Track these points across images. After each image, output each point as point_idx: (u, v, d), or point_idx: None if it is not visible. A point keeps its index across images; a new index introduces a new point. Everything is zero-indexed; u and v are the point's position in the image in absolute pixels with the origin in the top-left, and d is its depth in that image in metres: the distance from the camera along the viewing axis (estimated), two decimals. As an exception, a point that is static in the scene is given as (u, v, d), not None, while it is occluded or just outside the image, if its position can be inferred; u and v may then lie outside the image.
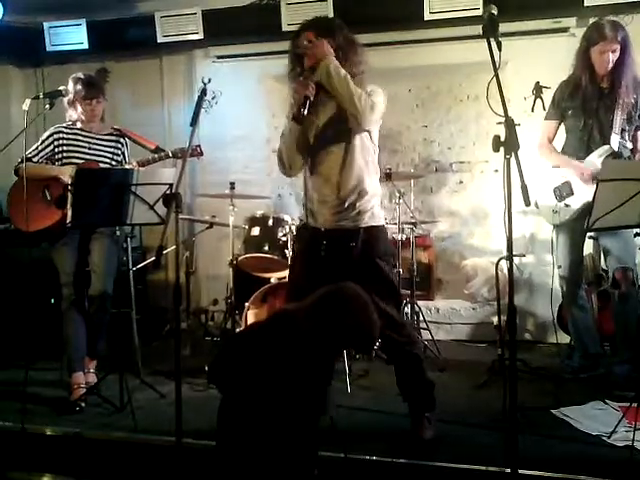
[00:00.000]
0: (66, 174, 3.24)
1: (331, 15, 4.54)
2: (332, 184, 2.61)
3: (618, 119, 3.23)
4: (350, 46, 2.62)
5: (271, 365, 1.93)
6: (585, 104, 3.31)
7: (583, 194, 3.27)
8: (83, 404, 3.16)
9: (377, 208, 2.69)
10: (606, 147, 3.24)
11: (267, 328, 2.08)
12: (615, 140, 3.23)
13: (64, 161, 3.38)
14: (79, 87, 3.37)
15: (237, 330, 3.90)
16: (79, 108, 3.40)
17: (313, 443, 2.04)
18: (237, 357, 2.00)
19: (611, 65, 3.20)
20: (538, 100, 3.72)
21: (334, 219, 2.63)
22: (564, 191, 3.36)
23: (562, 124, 3.47)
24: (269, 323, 2.11)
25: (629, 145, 3.28)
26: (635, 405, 2.64)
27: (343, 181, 2.60)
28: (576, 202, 3.31)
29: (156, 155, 3.48)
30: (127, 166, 3.42)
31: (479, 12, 4.20)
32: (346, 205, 2.61)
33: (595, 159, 3.27)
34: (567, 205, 3.35)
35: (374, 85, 2.64)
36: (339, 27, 2.65)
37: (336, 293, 2.03)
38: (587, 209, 2.97)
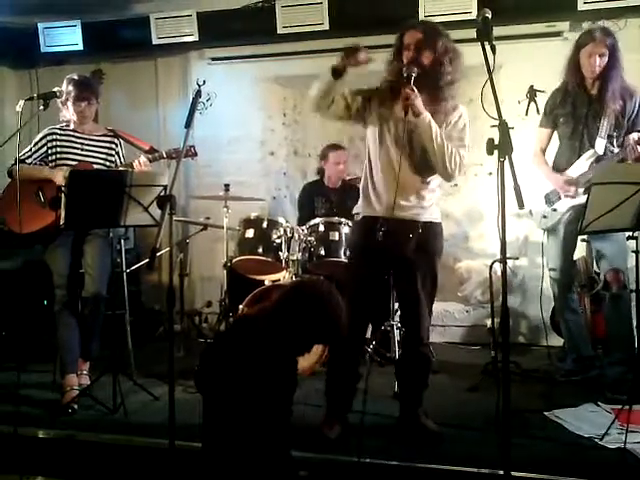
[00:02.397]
0: (59, 175, 3.23)
1: (326, 18, 4.56)
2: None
3: (605, 124, 3.27)
4: (454, 53, 2.64)
5: (238, 371, 1.93)
6: (575, 111, 3.35)
7: (570, 198, 3.33)
8: (76, 406, 3.14)
9: None
10: (591, 151, 3.28)
11: (229, 335, 2.09)
12: (601, 144, 3.27)
13: (58, 162, 3.37)
14: (71, 88, 3.36)
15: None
16: (71, 109, 3.39)
17: (285, 443, 2.03)
18: (208, 366, 2.01)
19: (598, 69, 3.23)
20: (532, 104, 3.74)
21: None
22: (553, 196, 3.43)
23: (555, 132, 3.51)
24: (231, 330, 2.12)
25: (616, 150, 3.30)
26: (627, 407, 2.66)
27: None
28: (563, 206, 3.37)
29: (150, 155, 3.48)
30: (136, 161, 3.41)
31: (473, 15, 4.22)
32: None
33: (582, 163, 3.32)
34: (554, 210, 3.40)
35: (459, 104, 2.71)
36: (445, 34, 2.65)
37: (299, 290, 2.04)
38: (578, 213, 3.00)
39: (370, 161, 2.77)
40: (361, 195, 2.82)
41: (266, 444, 1.95)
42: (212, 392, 2.00)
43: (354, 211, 2.95)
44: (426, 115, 2.57)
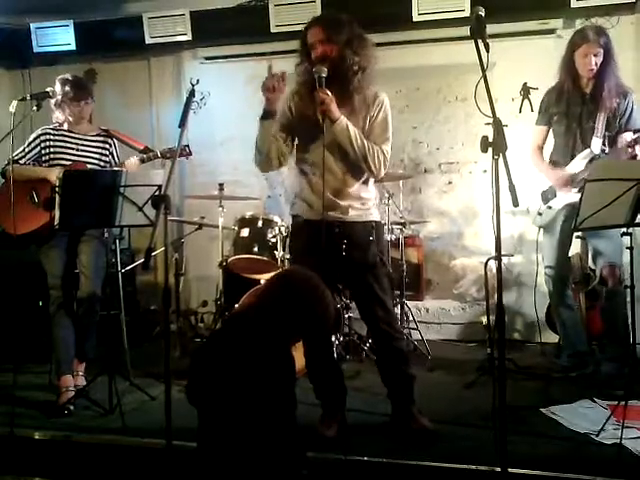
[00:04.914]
0: (53, 174, 3.22)
1: (319, 16, 4.55)
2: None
3: (600, 123, 3.28)
4: (360, 40, 2.62)
5: (235, 369, 1.92)
6: (569, 109, 3.37)
7: (565, 196, 3.35)
8: (72, 407, 3.13)
9: None
10: (587, 151, 3.29)
11: (221, 334, 2.08)
12: (597, 144, 3.29)
13: (51, 163, 3.36)
14: (67, 88, 3.35)
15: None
16: (67, 110, 3.38)
17: (295, 441, 2.03)
18: (203, 370, 2.00)
19: (594, 68, 3.25)
20: (526, 101, 3.73)
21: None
22: (549, 194, 3.45)
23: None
24: (222, 329, 2.09)
25: (608, 149, 3.32)
26: (623, 403, 2.67)
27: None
28: (558, 203, 3.39)
29: (145, 155, 3.47)
30: (127, 162, 3.39)
31: (467, 13, 4.23)
32: None
33: (578, 162, 3.33)
34: (550, 207, 3.42)
35: (379, 92, 2.68)
36: (348, 22, 2.64)
37: (284, 280, 2.04)
38: (573, 210, 3.01)
39: (304, 163, 2.73)
40: (297, 198, 2.78)
41: (276, 443, 1.93)
42: (209, 398, 1.97)
43: (290, 212, 2.87)
44: (341, 120, 2.54)
